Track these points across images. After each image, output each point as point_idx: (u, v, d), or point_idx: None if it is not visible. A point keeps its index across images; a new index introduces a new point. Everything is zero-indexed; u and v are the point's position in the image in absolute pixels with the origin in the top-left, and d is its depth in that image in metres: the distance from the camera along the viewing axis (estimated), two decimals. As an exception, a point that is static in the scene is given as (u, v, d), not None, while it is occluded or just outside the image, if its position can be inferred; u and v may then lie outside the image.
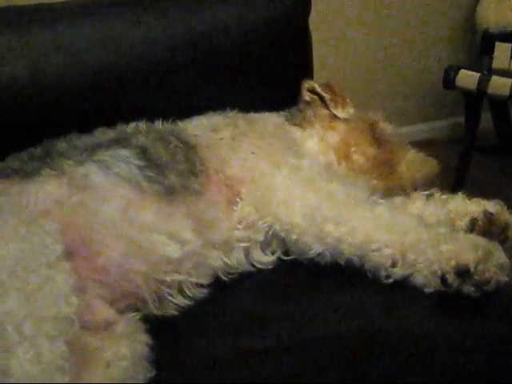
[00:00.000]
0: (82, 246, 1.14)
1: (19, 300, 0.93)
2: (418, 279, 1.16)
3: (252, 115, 1.59)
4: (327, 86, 1.66)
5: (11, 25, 1.51)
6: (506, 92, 2.79)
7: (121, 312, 1.16)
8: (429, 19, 3.41)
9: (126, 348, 1.06)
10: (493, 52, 2.91)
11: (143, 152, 1.31)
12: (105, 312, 1.13)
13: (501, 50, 2.89)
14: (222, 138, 1.45)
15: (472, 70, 2.82)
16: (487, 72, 2.84)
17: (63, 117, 1.51)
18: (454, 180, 2.98)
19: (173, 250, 1.21)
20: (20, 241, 1.01)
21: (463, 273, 1.11)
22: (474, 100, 2.91)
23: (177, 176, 1.29)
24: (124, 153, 1.28)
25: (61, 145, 1.33)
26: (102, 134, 1.38)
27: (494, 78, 2.79)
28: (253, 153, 1.41)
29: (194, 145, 1.41)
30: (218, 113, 1.56)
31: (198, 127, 1.48)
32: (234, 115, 1.56)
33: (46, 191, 1.18)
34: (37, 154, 1.30)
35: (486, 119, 3.19)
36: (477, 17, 3.02)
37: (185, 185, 1.30)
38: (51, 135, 1.37)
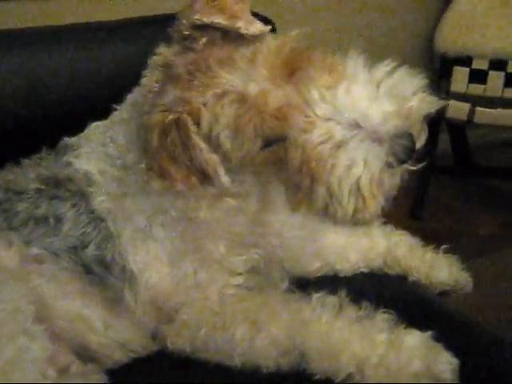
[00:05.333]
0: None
1: None
2: None
3: None
4: None
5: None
6: (464, 117, 2.86)
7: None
8: (389, 42, 3.45)
9: None
10: (451, 76, 2.94)
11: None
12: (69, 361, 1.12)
13: (458, 74, 2.94)
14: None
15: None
16: (445, 96, 2.88)
17: (25, 141, 1.48)
18: (412, 201, 3.03)
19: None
20: None
21: None
22: (433, 123, 2.95)
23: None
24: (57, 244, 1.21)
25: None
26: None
27: (452, 103, 2.85)
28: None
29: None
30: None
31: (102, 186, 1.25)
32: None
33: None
34: None
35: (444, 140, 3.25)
36: (435, 41, 3.04)
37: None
38: (13, 159, 1.34)
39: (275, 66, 1.03)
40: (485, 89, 2.90)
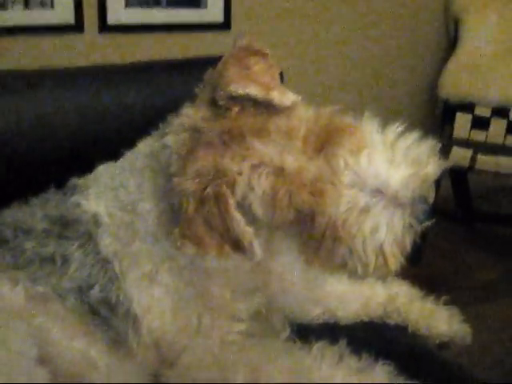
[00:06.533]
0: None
1: None
2: None
3: None
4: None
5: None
6: (466, 164, 2.88)
7: None
8: (392, 87, 3.50)
9: None
10: (453, 122, 2.98)
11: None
12: None
13: (461, 120, 2.97)
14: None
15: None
16: (448, 142, 2.91)
17: (34, 180, 1.50)
18: (413, 247, 3.02)
19: None
20: None
21: None
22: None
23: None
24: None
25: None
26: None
27: (455, 149, 2.88)
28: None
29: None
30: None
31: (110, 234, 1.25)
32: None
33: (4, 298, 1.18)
34: None
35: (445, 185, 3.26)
36: (439, 87, 3.08)
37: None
38: (20, 197, 1.36)
39: (309, 138, 1.07)
40: (487, 136, 2.93)
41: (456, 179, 3.40)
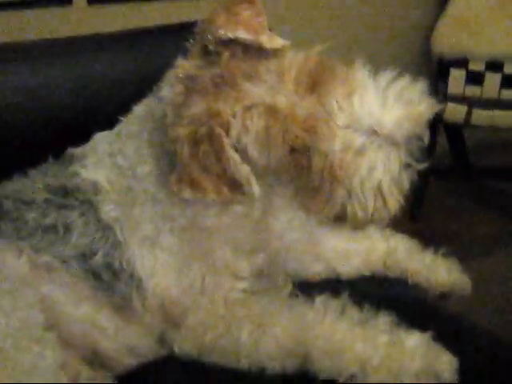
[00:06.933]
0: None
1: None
2: None
3: None
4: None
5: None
6: (461, 119, 2.88)
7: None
8: (387, 45, 3.48)
9: None
10: (448, 78, 2.96)
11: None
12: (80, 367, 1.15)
13: (455, 76, 2.95)
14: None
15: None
16: (443, 98, 2.90)
17: (31, 152, 1.51)
18: (411, 203, 3.04)
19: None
20: (5, 316, 1.04)
21: None
22: (431, 125, 2.97)
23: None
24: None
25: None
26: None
27: (450, 105, 2.87)
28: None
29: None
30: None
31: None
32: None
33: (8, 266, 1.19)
34: None
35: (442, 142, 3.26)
36: (432, 43, 3.06)
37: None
38: (19, 170, 1.36)
39: (300, 79, 1.09)
40: (481, 90, 2.91)
41: (452, 135, 3.39)
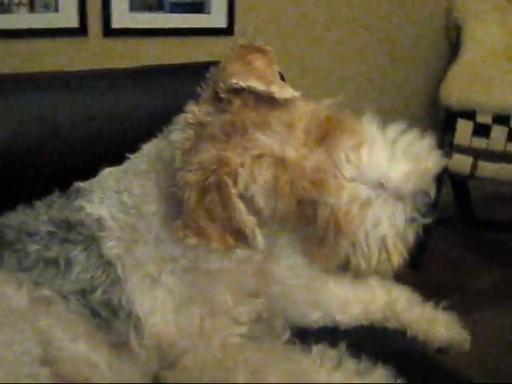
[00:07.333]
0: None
1: None
2: None
3: None
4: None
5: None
6: (467, 171, 2.89)
7: None
8: (396, 95, 3.51)
9: None
10: (455, 129, 2.98)
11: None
12: None
13: (462, 127, 2.97)
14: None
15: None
16: (449, 149, 2.92)
17: (38, 183, 1.51)
18: (413, 252, 3.02)
19: None
20: (1, 348, 1.04)
21: None
22: (436, 176, 2.98)
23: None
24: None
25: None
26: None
27: (456, 156, 2.89)
28: None
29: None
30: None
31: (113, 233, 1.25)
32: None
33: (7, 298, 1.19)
34: None
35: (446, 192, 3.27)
36: (441, 94, 3.08)
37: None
38: (24, 201, 1.36)
39: (309, 131, 1.09)
40: (488, 143, 2.93)
41: (457, 186, 3.40)
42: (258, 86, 1.09)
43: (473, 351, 1.49)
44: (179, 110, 1.21)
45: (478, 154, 2.91)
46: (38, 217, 1.29)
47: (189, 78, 1.66)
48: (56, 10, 2.61)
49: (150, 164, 1.26)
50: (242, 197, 1.09)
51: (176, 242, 1.19)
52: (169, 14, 2.85)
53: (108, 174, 1.34)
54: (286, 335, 1.31)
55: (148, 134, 1.34)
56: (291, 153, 1.07)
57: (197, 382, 1.20)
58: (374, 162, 1.09)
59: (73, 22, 2.66)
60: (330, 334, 1.38)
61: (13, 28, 2.55)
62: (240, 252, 1.22)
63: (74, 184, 1.36)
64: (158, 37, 2.86)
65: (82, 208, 1.28)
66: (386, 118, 1.16)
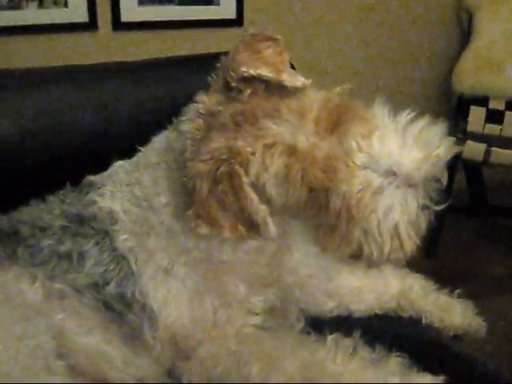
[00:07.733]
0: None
1: None
2: None
3: None
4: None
5: (1, 88, 1.56)
6: (480, 157, 2.87)
7: None
8: (408, 82, 3.49)
9: None
10: (468, 116, 2.96)
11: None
12: None
13: (475, 114, 2.95)
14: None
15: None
16: (462, 136, 2.90)
17: (50, 177, 1.52)
18: (427, 240, 3.01)
19: None
20: (16, 342, 1.04)
21: None
22: (448, 164, 2.96)
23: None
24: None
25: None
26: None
27: (469, 143, 2.87)
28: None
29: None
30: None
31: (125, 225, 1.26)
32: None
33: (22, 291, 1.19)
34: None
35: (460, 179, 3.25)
36: (453, 80, 3.06)
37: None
38: (37, 195, 1.37)
39: (320, 119, 1.09)
40: (501, 129, 2.90)
41: (470, 173, 3.39)
42: (268, 74, 1.09)
43: (488, 338, 1.49)
44: (191, 101, 1.21)
45: (492, 141, 2.89)
46: (51, 211, 1.30)
47: (199, 69, 1.66)
48: (65, 5, 2.62)
49: (161, 156, 1.26)
50: (253, 186, 1.09)
51: (188, 234, 1.19)
52: (178, 7, 2.84)
53: (119, 167, 1.34)
54: (300, 325, 1.31)
55: (160, 126, 1.34)
56: (302, 141, 1.07)
57: (212, 373, 1.21)
58: (385, 149, 1.08)
59: (82, 17, 2.67)
60: (344, 323, 1.39)
61: (23, 24, 2.56)
62: (253, 242, 1.22)
63: (86, 178, 1.36)
64: (168, 29, 2.86)
65: (94, 202, 1.28)
66: (398, 106, 1.15)
